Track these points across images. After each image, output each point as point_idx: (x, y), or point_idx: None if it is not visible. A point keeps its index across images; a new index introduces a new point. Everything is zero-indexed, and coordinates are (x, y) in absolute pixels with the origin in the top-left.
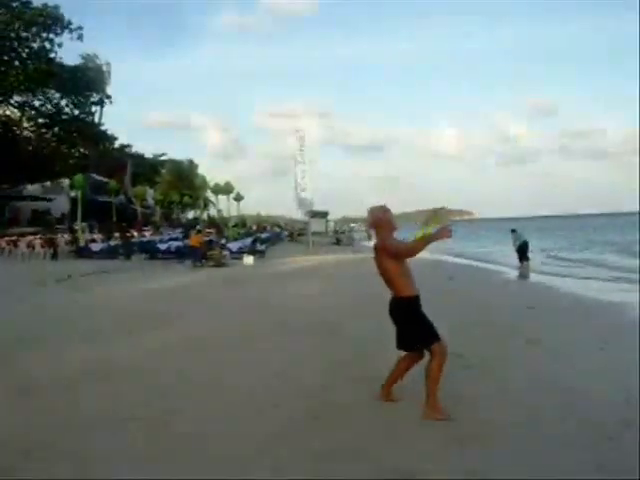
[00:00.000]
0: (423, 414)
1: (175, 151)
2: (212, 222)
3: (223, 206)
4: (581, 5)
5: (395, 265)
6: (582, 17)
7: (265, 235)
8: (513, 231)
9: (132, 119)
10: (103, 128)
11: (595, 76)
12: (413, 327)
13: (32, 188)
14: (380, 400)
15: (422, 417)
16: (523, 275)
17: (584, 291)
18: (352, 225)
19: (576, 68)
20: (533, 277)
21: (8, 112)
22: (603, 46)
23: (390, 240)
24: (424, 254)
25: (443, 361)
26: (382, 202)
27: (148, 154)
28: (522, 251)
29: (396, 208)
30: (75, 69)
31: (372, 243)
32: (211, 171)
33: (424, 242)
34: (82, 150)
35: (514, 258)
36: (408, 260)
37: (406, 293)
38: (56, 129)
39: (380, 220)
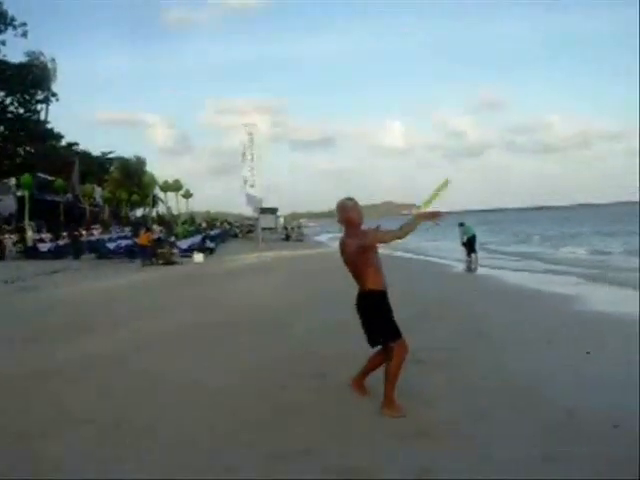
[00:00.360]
0: (381, 411)
1: (123, 149)
2: (161, 220)
3: (172, 203)
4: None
5: (365, 258)
6: (532, 12)
7: (215, 232)
8: (461, 225)
9: (79, 116)
10: (49, 126)
11: (542, 71)
12: (377, 322)
13: None
14: (352, 388)
15: (381, 413)
16: (470, 268)
17: (528, 283)
18: (301, 220)
19: (524, 63)
20: (480, 270)
21: None
22: (552, 41)
23: (367, 231)
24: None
25: (402, 360)
26: (337, 197)
27: (96, 152)
28: (470, 244)
29: None
30: (20, 67)
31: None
32: (160, 168)
33: (411, 226)
34: (28, 149)
35: (460, 252)
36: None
37: (374, 287)
38: (1, 128)
39: (349, 213)
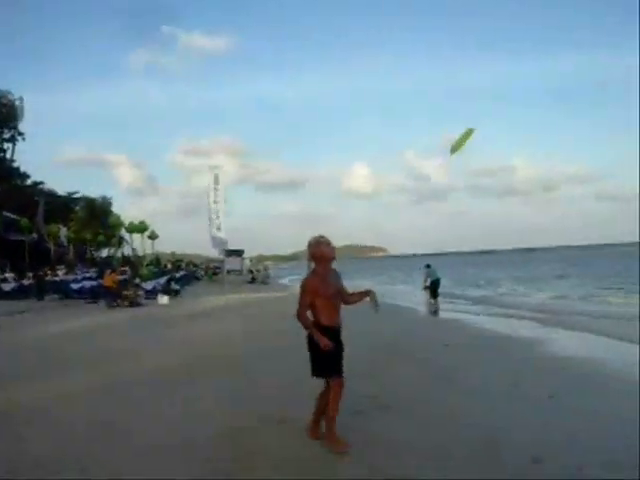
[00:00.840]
0: (324, 445)
1: (89, 189)
2: (126, 261)
3: (137, 244)
4: (492, 43)
5: (321, 297)
6: (495, 57)
7: (180, 274)
8: (427, 266)
9: (45, 155)
10: (15, 165)
11: (505, 114)
12: (317, 354)
13: None
14: (310, 437)
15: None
16: (432, 312)
17: (493, 327)
18: (266, 263)
19: (487, 106)
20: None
21: None
22: (517, 85)
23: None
24: None
25: (338, 397)
26: (304, 240)
27: (61, 192)
28: (434, 288)
29: None
30: None
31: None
32: (126, 208)
33: (357, 297)
34: None
35: (420, 296)
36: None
37: (321, 322)
38: None
39: (316, 252)
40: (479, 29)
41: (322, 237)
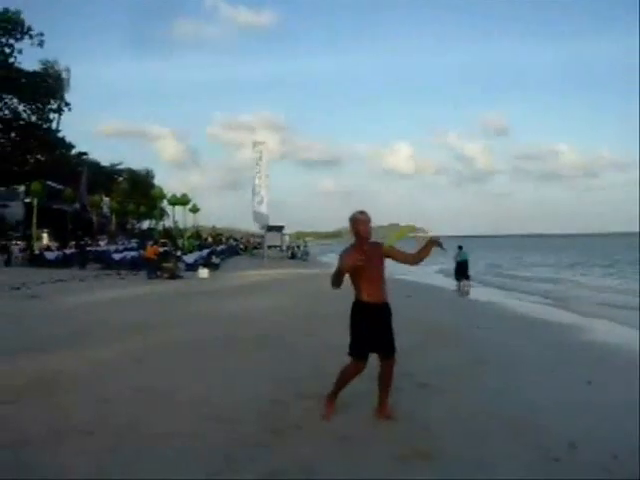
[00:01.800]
0: (322, 415)
1: (130, 160)
2: (167, 233)
3: (179, 217)
4: (539, 27)
5: (361, 270)
6: (543, 39)
7: (221, 248)
8: (460, 248)
9: (89, 127)
10: (60, 135)
11: (549, 98)
12: (350, 333)
13: None
14: (379, 419)
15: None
16: (463, 293)
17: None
18: (307, 239)
19: (533, 90)
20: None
21: None
22: (560, 69)
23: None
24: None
25: (350, 374)
26: (343, 217)
27: (105, 162)
28: (462, 269)
29: None
30: (34, 75)
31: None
32: (166, 181)
33: (421, 254)
34: (39, 157)
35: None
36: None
37: (359, 297)
38: (12, 134)
39: (353, 227)
40: (524, 10)
41: (362, 213)
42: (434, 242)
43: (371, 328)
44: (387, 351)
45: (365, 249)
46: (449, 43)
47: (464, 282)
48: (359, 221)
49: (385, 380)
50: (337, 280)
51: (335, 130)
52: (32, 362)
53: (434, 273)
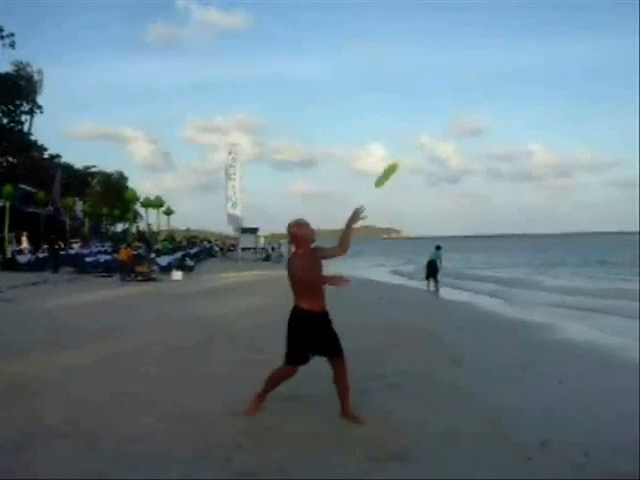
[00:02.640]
0: (246, 410)
1: (104, 163)
2: (141, 236)
3: (152, 220)
4: (511, 29)
5: (302, 280)
6: (516, 41)
7: (194, 250)
8: (438, 248)
9: (61, 129)
10: (33, 138)
11: (522, 99)
12: (287, 336)
13: None
14: (346, 419)
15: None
16: (433, 291)
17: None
18: (281, 242)
19: (506, 91)
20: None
21: None
22: (534, 69)
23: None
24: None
25: (283, 378)
26: (308, 218)
27: (78, 165)
28: (430, 269)
29: (327, 225)
30: (5, 77)
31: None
32: (139, 183)
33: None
34: (11, 159)
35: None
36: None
37: (299, 305)
38: None
39: (297, 234)
40: (496, 11)
41: (301, 220)
42: (354, 215)
43: (312, 335)
44: (334, 352)
45: (306, 258)
46: (423, 44)
47: (430, 280)
48: (301, 227)
49: (340, 381)
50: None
51: (309, 132)
52: (4, 366)
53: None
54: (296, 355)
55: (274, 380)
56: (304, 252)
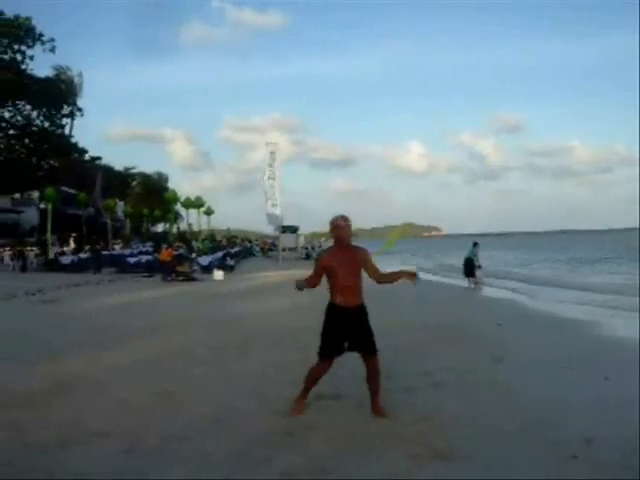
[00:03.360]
0: (289, 410)
1: (143, 163)
2: (182, 236)
3: (193, 220)
4: (550, 25)
5: (336, 274)
6: (551, 36)
7: (235, 250)
8: (475, 245)
9: (101, 131)
10: (73, 140)
11: (562, 95)
12: (322, 331)
13: (1, 201)
14: (375, 415)
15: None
16: (473, 288)
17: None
18: (321, 240)
19: (545, 87)
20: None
21: None
22: (573, 65)
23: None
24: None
25: (318, 374)
26: (357, 217)
27: (118, 167)
28: (467, 266)
29: (365, 223)
30: (46, 81)
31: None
32: (179, 184)
33: (392, 277)
34: (52, 162)
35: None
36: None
37: (333, 300)
38: (26, 141)
39: (334, 230)
40: (537, 8)
41: (344, 218)
42: (409, 275)
43: (345, 330)
44: (367, 350)
45: (341, 254)
46: (461, 42)
47: (471, 279)
48: (340, 227)
49: (371, 379)
50: (308, 283)
51: (347, 130)
52: (50, 367)
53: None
54: (328, 348)
55: (312, 377)
56: (340, 248)
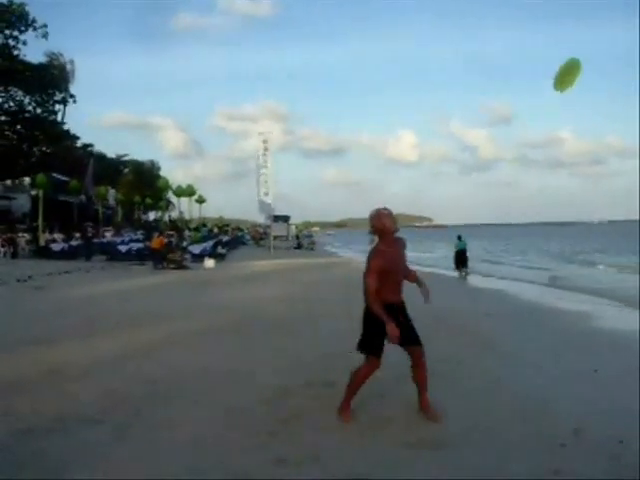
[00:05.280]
0: (340, 418)
1: (135, 151)
2: (173, 224)
3: (185, 208)
4: (543, 15)
5: (385, 273)
6: (543, 26)
7: (226, 238)
8: (459, 238)
9: (93, 118)
10: (66, 127)
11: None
12: (364, 330)
13: None
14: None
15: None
16: (462, 277)
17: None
18: (314, 229)
19: (535, 77)
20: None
21: None
22: (563, 56)
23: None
24: None
25: (368, 374)
26: (339, 206)
27: (110, 154)
28: (461, 257)
29: (357, 213)
30: (39, 67)
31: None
32: (170, 172)
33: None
34: (44, 149)
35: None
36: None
37: (385, 299)
38: (18, 127)
39: (377, 225)
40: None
41: (385, 209)
42: (424, 291)
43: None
44: (415, 342)
45: (391, 250)
46: (452, 31)
47: (460, 270)
48: (382, 217)
49: (418, 371)
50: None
51: (338, 119)
52: (41, 353)
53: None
54: (380, 347)
55: (360, 379)
56: (387, 243)
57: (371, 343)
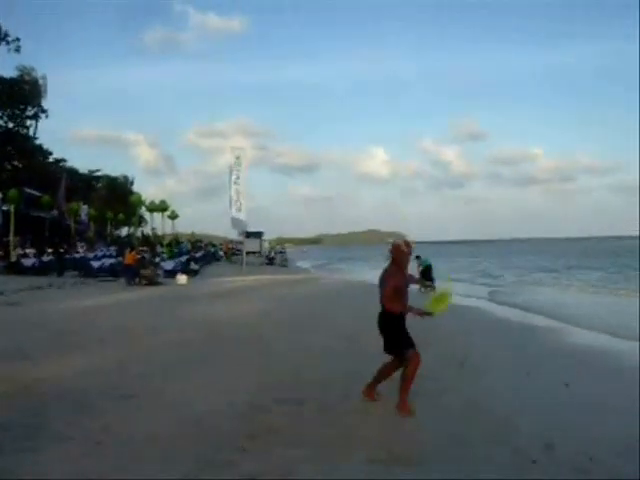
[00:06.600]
0: (395, 410)
1: (106, 167)
2: (146, 240)
3: (157, 224)
4: (513, 32)
5: (400, 288)
6: (517, 44)
7: (199, 254)
8: (417, 257)
9: (65, 133)
10: (38, 142)
11: (523, 103)
12: (393, 335)
13: None
14: (363, 398)
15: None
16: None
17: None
18: (286, 245)
19: (507, 95)
20: None
21: None
22: (533, 74)
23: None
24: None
25: (417, 368)
26: (311, 222)
27: (83, 170)
28: (426, 274)
29: (331, 229)
30: (11, 81)
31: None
32: (143, 188)
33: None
34: (16, 164)
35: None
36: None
37: (392, 309)
38: None
39: (402, 253)
40: (496, 16)
41: (406, 243)
42: (422, 314)
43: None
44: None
45: (402, 274)
46: (422, 48)
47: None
48: (403, 254)
49: (411, 371)
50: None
51: (310, 135)
52: (13, 369)
53: None
54: (408, 340)
55: (410, 376)
56: (400, 268)
57: (399, 341)
